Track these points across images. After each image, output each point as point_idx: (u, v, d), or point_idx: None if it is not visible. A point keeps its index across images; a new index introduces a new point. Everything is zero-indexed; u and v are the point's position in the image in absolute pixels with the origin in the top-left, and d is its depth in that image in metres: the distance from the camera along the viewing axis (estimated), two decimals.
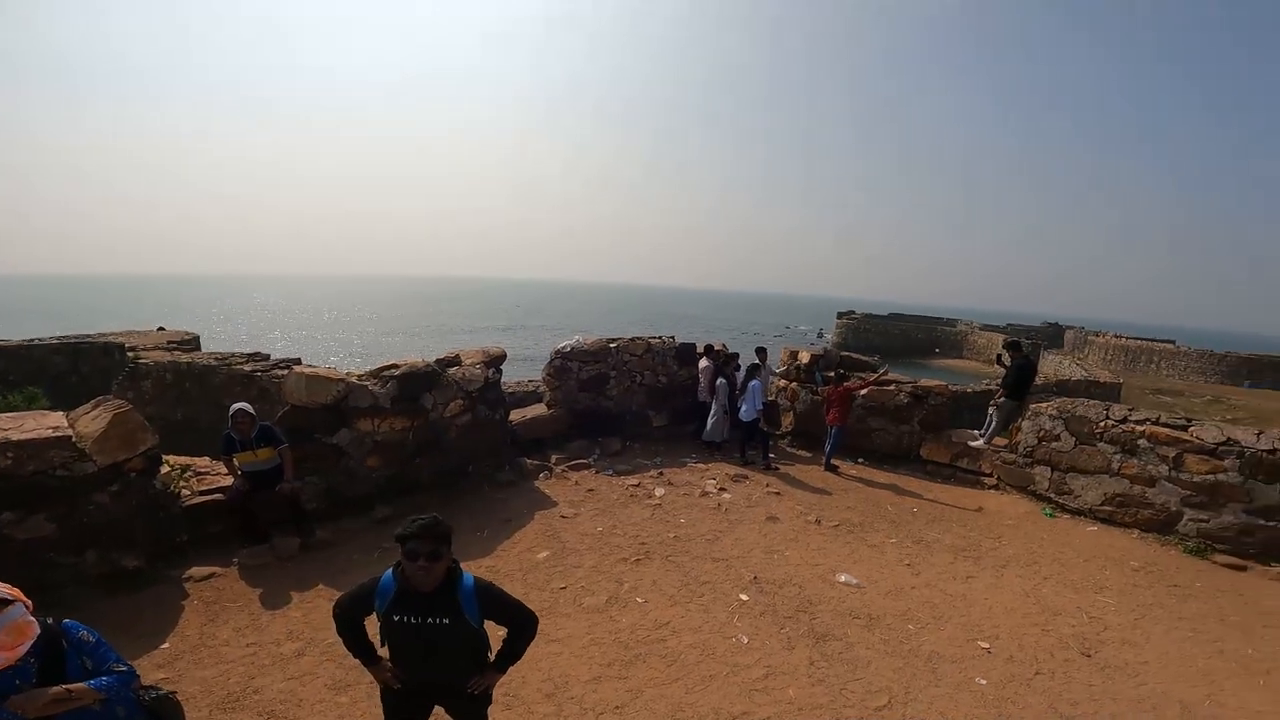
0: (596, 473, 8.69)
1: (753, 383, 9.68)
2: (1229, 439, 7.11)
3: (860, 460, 10.15)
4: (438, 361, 7.99)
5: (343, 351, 54.36)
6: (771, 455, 9.86)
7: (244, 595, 5.22)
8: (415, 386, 7.29)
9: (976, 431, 9.84)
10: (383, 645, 2.67)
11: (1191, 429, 7.43)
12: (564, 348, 10.16)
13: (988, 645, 4.93)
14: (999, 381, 9.91)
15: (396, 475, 7.12)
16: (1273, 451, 6.81)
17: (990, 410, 9.72)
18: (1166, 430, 7.52)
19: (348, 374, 7.01)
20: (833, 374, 10.40)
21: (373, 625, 2.64)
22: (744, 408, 9.65)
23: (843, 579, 5.93)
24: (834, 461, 9.74)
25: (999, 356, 10.33)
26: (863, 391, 10.00)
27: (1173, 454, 7.37)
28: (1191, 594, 6.05)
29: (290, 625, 4.82)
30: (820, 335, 79.54)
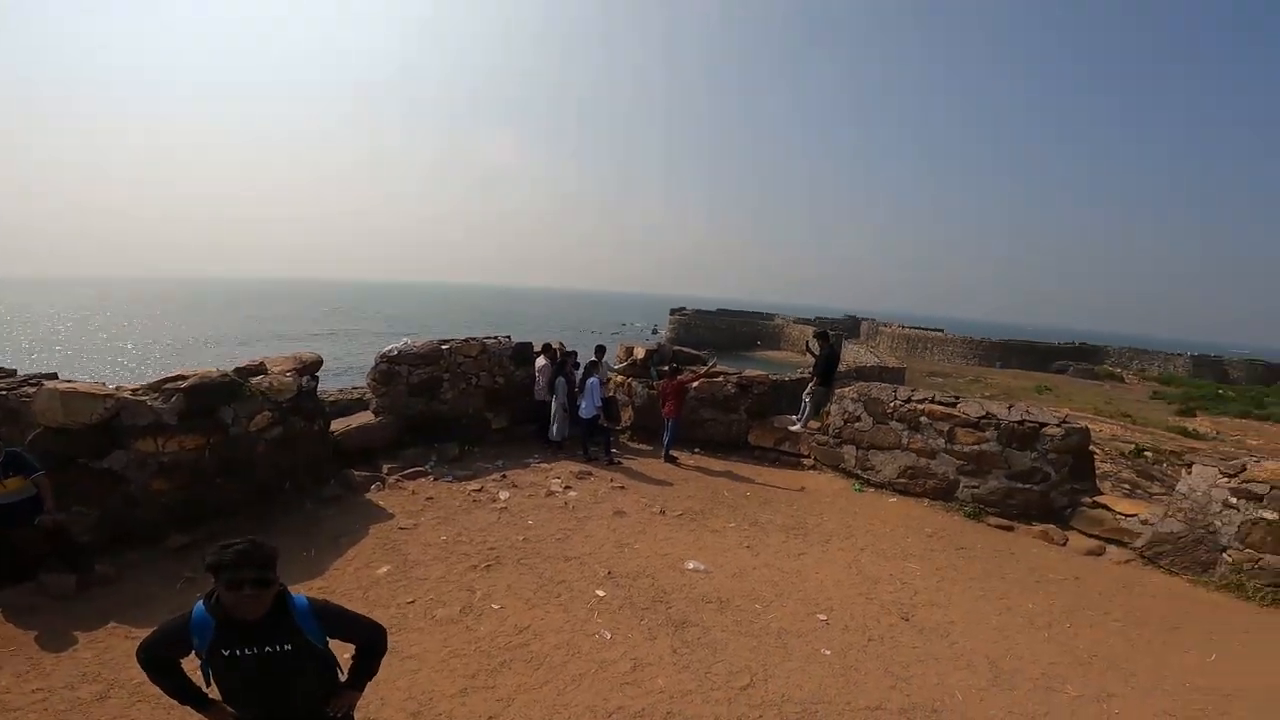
0: (435, 480, 8.34)
1: (591, 380, 9.82)
2: (988, 413, 8.46)
3: (697, 450, 10.69)
4: (238, 371, 7.13)
5: (132, 362, 46.19)
6: (614, 450, 10.03)
7: (15, 639, 4.42)
8: (209, 399, 6.50)
9: (794, 416, 10.77)
10: (209, 685, 2.37)
11: (959, 405, 8.74)
12: (390, 351, 9.61)
13: (825, 617, 5.40)
14: (810, 369, 10.95)
15: (193, 499, 6.28)
16: (1021, 422, 8.20)
17: (804, 396, 10.69)
18: (940, 408, 8.77)
19: (117, 389, 6.04)
20: (666, 368, 10.85)
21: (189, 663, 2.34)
22: (584, 405, 9.77)
23: (691, 566, 6.22)
24: (673, 453, 10.16)
25: (808, 345, 11.43)
26: (695, 384, 10.52)
27: (947, 428, 8.63)
28: (975, 555, 7.05)
29: (82, 667, 4.16)
30: (655, 331, 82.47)
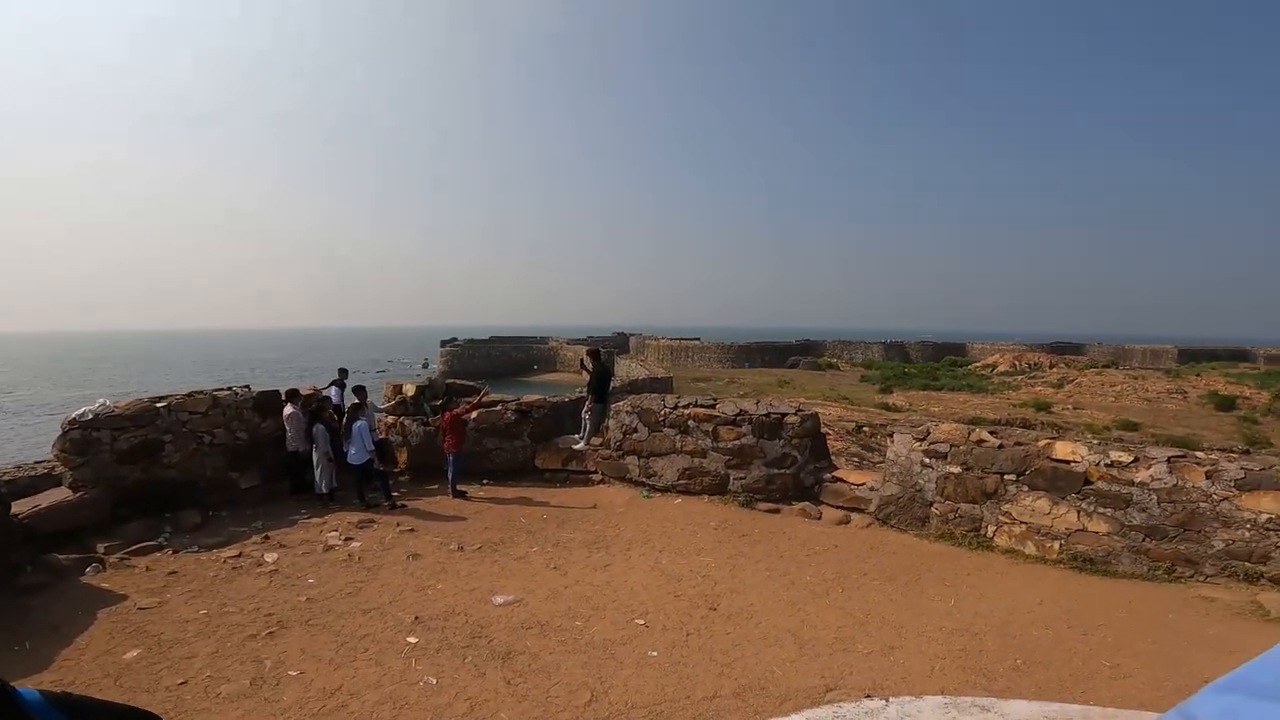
0: (175, 553, 7.23)
1: (357, 424, 9.15)
2: (742, 410, 9.50)
3: (485, 481, 10.40)
4: None
5: None
6: (395, 494, 9.44)
7: None
8: None
9: (577, 436, 10.98)
10: None
11: (718, 406, 9.69)
12: (83, 415, 7.95)
13: (644, 621, 5.56)
14: (585, 388, 11.30)
15: None
16: (768, 415, 9.33)
17: (584, 415, 10.95)
18: (703, 410, 9.64)
19: None
20: (439, 402, 10.49)
21: None
22: (352, 451, 9.10)
23: (499, 600, 6.00)
24: (460, 487, 9.75)
25: (582, 363, 11.81)
26: (472, 415, 10.27)
27: (711, 428, 9.50)
28: (757, 540, 7.77)
29: None
30: (425, 366, 78.55)
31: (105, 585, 6.32)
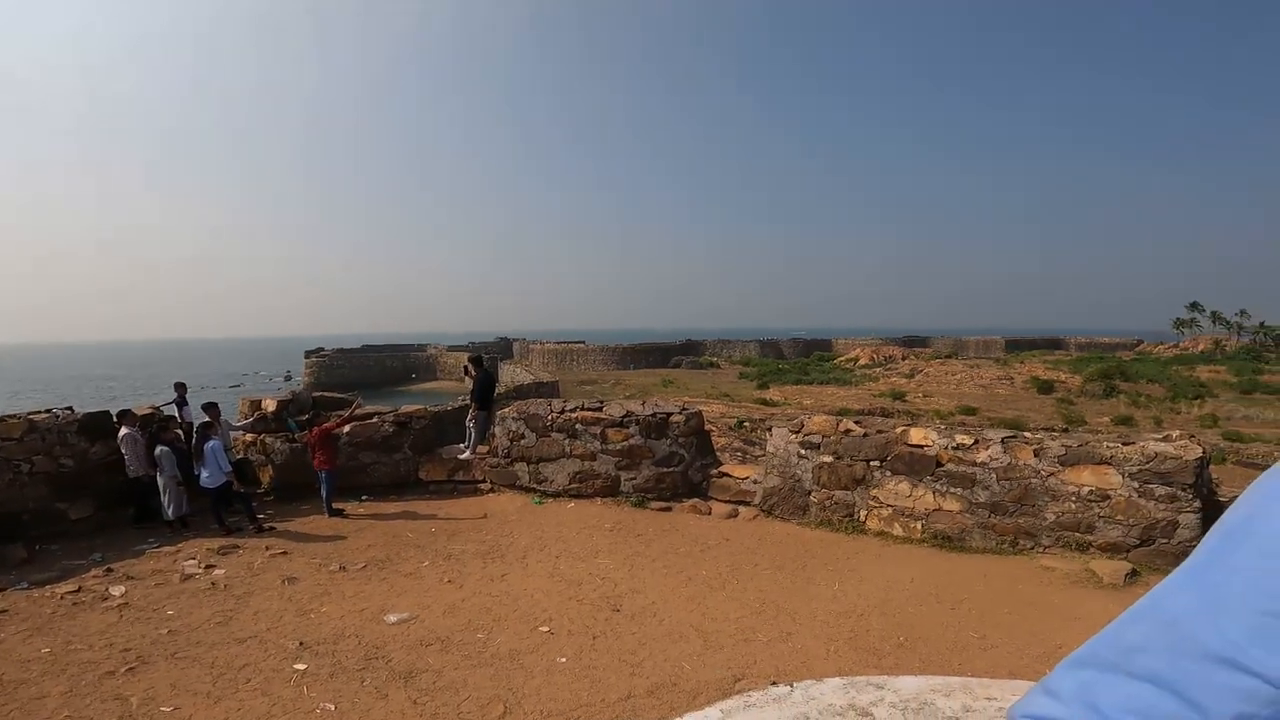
0: (0, 590, 6.41)
1: (209, 444, 8.42)
2: (629, 412, 9.63)
3: (365, 497, 9.85)
4: None
5: None
6: (261, 516, 8.75)
7: None
8: None
9: (463, 445, 10.67)
10: None
11: (605, 409, 9.76)
12: None
13: (548, 628, 5.47)
14: (469, 396, 11.01)
15: None
16: (654, 415, 9.52)
17: (468, 423, 10.68)
18: (590, 413, 9.68)
19: None
20: (306, 417, 9.90)
21: None
22: (205, 474, 8.39)
23: (393, 619, 5.71)
24: (336, 505, 9.16)
25: (465, 370, 11.50)
26: (344, 429, 9.72)
27: (599, 431, 9.56)
28: (651, 539, 7.88)
29: None
30: (288, 378, 72.79)
31: None
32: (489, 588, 6.47)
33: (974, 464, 7.46)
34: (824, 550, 7.48)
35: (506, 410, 10.14)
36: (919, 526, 7.72)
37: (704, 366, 70.51)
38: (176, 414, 10.28)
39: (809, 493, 8.48)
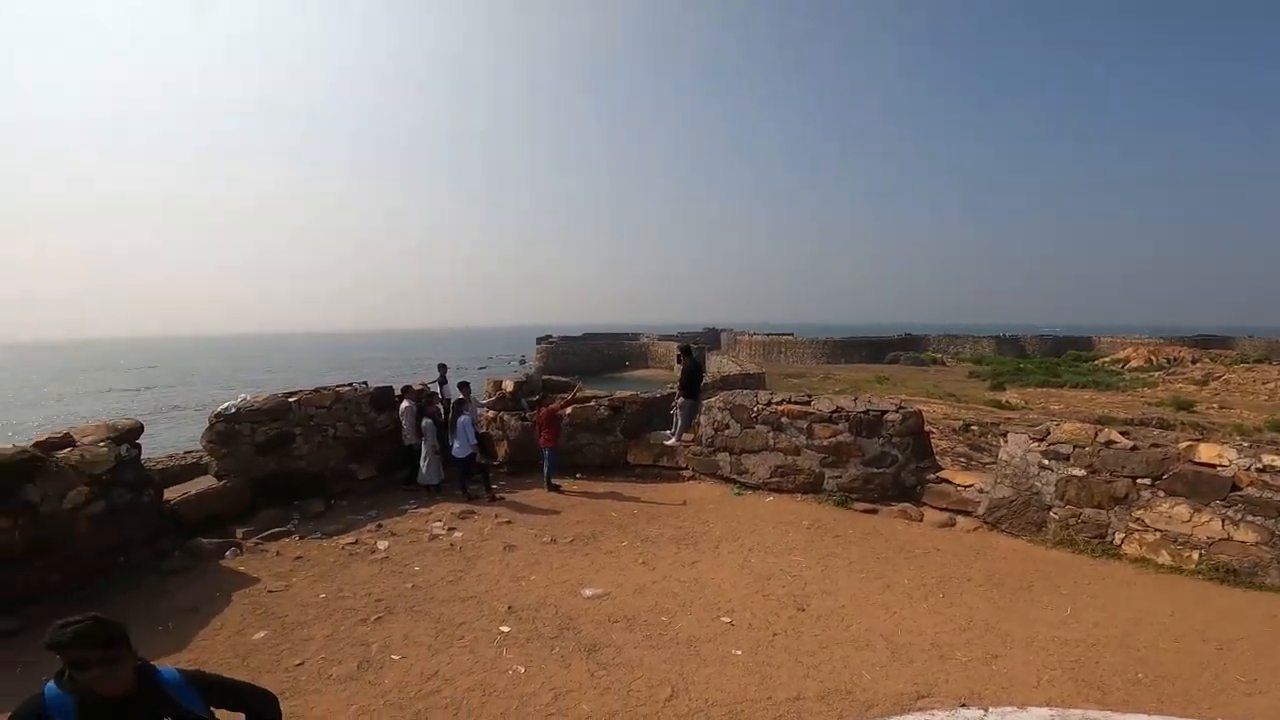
0: (301, 539, 7.79)
1: (462, 418, 9.58)
2: (838, 407, 9.18)
3: (579, 475, 10.63)
4: (38, 445, 6.40)
5: None
6: (495, 486, 9.84)
7: None
8: (3, 480, 5.79)
9: (669, 432, 11.01)
10: None
11: (813, 403, 9.41)
12: (227, 409, 8.78)
13: (729, 619, 5.53)
14: (676, 384, 11.29)
15: (4, 584, 5.65)
16: (867, 412, 8.98)
17: (674, 411, 10.98)
18: (797, 407, 9.40)
19: None
20: (537, 398, 10.84)
21: None
22: (456, 445, 9.53)
23: (588, 593, 6.14)
24: (555, 481, 10.04)
25: (678, 358, 11.84)
26: (566, 411, 10.52)
27: (805, 425, 9.25)
28: (851, 540, 7.52)
29: None
30: (522, 362, 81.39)
31: (241, 569, 6.89)
32: (679, 573, 6.63)
33: None
34: (1058, 572, 6.53)
35: (712, 400, 10.27)
36: (1195, 556, 6.32)
37: (925, 363, 64.54)
38: (439, 390, 11.67)
39: (1048, 508, 7.37)
